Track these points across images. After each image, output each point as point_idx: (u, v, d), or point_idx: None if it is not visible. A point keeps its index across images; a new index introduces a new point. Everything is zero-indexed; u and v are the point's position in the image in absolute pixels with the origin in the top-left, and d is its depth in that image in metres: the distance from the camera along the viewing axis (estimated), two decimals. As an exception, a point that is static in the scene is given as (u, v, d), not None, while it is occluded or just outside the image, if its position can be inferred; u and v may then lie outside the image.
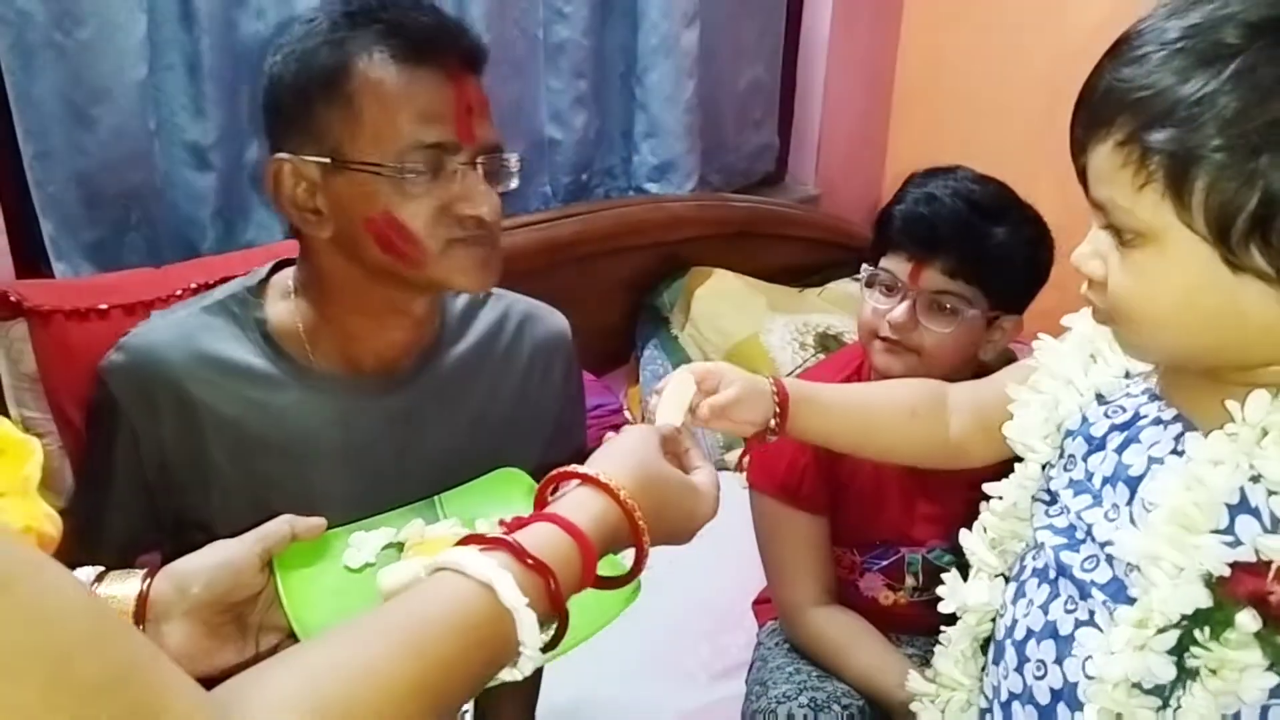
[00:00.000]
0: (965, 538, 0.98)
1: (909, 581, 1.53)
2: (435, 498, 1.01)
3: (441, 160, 1.04)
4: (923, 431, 1.04)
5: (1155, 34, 0.71)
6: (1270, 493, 0.72)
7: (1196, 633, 0.74)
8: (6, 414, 1.65)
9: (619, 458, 0.83)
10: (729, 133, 2.74)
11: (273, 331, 1.14)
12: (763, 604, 1.73)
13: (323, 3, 1.11)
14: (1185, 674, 0.75)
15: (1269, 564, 0.72)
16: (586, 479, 0.79)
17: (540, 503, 0.81)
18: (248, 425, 1.11)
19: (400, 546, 0.93)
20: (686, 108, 2.51)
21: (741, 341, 2.42)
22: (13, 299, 1.62)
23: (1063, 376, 0.90)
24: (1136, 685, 0.77)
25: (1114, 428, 0.85)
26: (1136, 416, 0.84)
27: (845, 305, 2.52)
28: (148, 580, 0.82)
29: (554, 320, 1.32)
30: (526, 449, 1.32)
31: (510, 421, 1.27)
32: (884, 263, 1.45)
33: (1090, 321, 0.87)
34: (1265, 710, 0.76)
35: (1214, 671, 0.73)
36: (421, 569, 0.85)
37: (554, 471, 0.82)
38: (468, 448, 1.21)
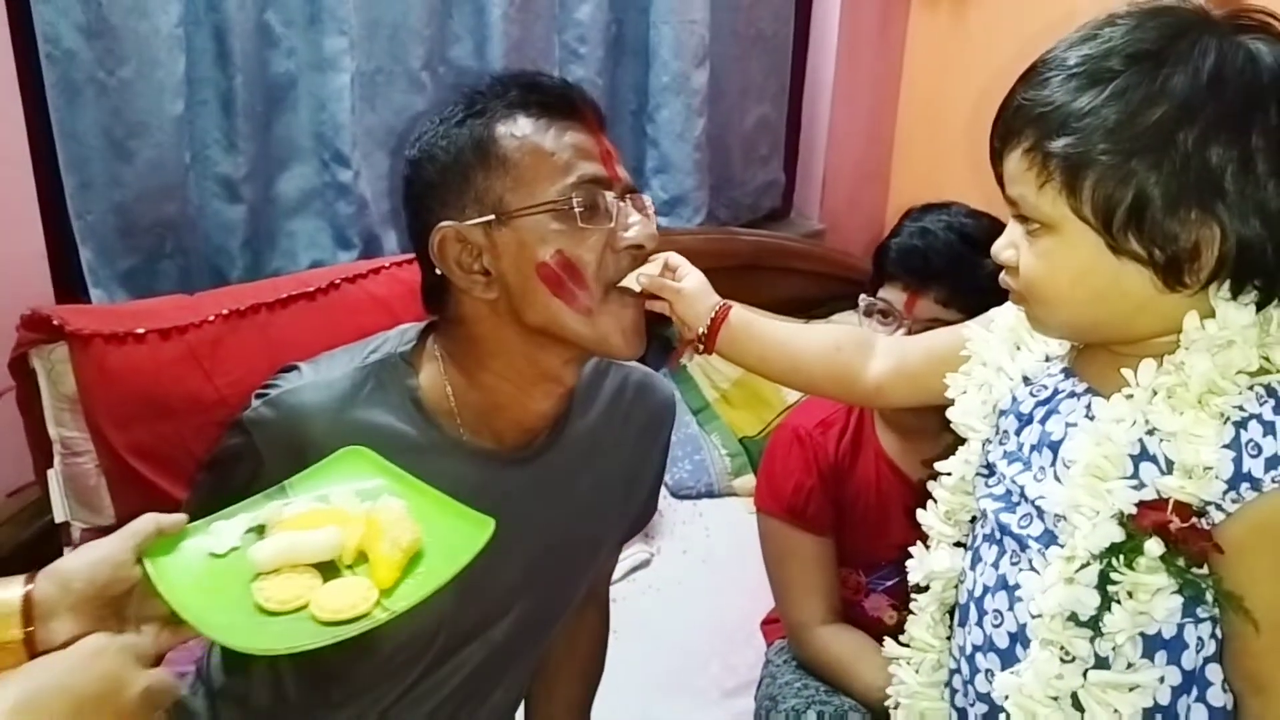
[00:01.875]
0: (921, 515, 1.10)
1: (913, 601, 1.59)
2: (283, 483, 1.01)
3: (598, 196, 1.08)
4: (844, 365, 1.13)
5: (1057, 62, 0.87)
6: (1162, 440, 0.86)
7: (1113, 561, 0.87)
8: (46, 432, 1.72)
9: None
10: (737, 169, 2.82)
11: (423, 399, 1.15)
12: (771, 623, 1.77)
13: (452, 94, 1.17)
14: (1108, 602, 0.88)
15: (1168, 500, 0.86)
16: None
17: None
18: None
19: (260, 529, 0.95)
20: (696, 145, 2.59)
21: (746, 373, 2.48)
22: (55, 322, 1.69)
23: (994, 364, 1.02)
24: (1071, 619, 0.89)
25: (1038, 404, 0.98)
26: (1055, 392, 0.97)
27: (849, 336, 2.58)
28: (29, 584, 0.86)
29: (665, 391, 1.36)
30: (628, 515, 1.39)
31: (624, 489, 1.32)
32: (881, 293, 1.52)
33: (1013, 313, 1.02)
34: (1181, 629, 0.90)
35: (1130, 595, 0.87)
36: (282, 542, 0.92)
37: None
38: (588, 514, 1.26)
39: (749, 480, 2.36)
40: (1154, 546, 0.85)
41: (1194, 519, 0.85)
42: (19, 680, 0.77)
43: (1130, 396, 0.88)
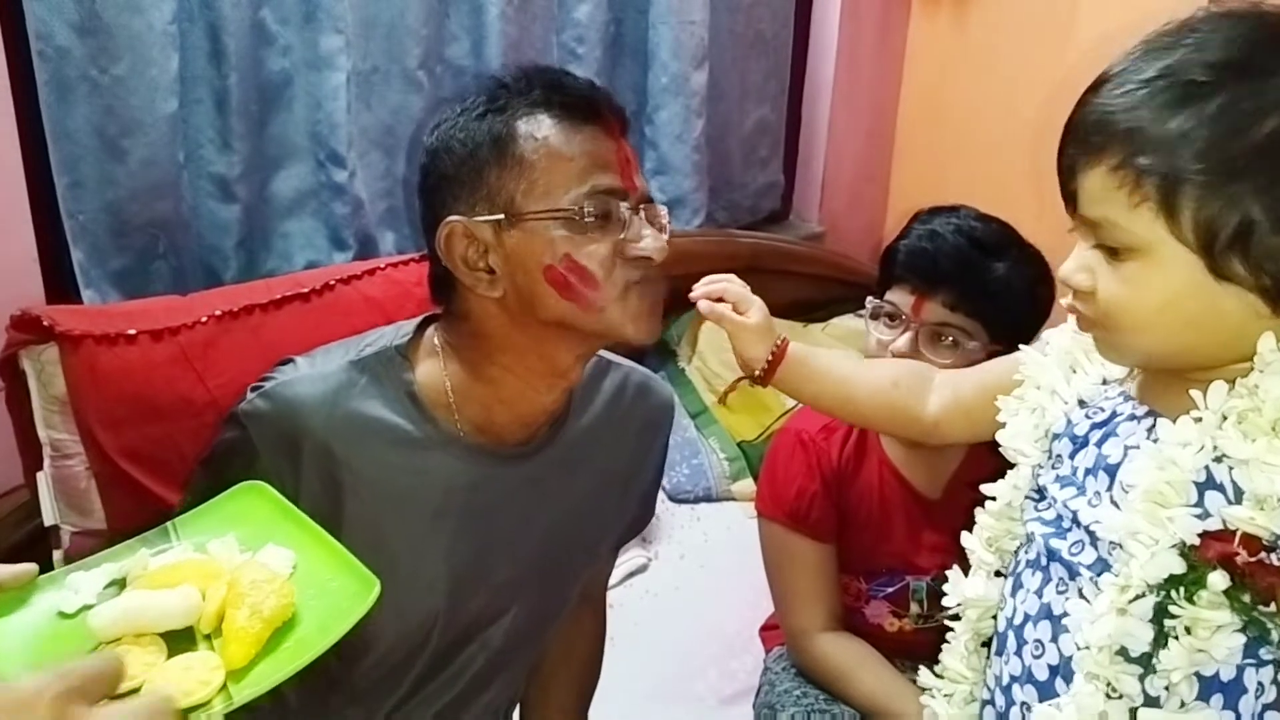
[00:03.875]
0: (966, 539, 1.05)
1: (914, 609, 1.56)
2: (169, 524, 0.91)
3: (611, 206, 1.07)
4: (901, 403, 1.12)
5: (1135, 72, 0.81)
6: (1232, 468, 0.81)
7: (1172, 593, 0.81)
8: (36, 434, 1.70)
9: None
10: (736, 171, 2.81)
11: (419, 393, 1.14)
12: (770, 630, 1.76)
13: (474, 84, 1.15)
14: (1163, 638, 0.82)
15: (1235, 531, 0.80)
16: None
17: None
18: (385, 484, 1.11)
19: (123, 583, 0.83)
20: (695, 146, 2.58)
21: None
22: (45, 323, 1.66)
23: (1047, 387, 0.98)
24: (1120, 653, 0.83)
25: (1094, 426, 0.93)
26: (1114, 415, 0.92)
27: (849, 340, 2.56)
28: None
29: (664, 392, 1.35)
30: (625, 517, 1.37)
31: (621, 489, 1.31)
32: (889, 296, 1.51)
33: (1069, 336, 0.97)
34: (1240, 671, 0.83)
35: (1189, 630, 0.81)
36: (131, 603, 0.78)
37: None
38: (585, 514, 1.25)
39: (747, 485, 2.34)
40: (1218, 580, 0.80)
41: (1263, 553, 0.79)
42: None
43: (1199, 420, 0.82)
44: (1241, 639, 0.81)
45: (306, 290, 1.85)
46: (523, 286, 1.08)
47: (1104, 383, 0.96)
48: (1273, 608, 0.80)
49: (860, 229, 3.01)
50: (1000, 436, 1.00)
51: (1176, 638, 0.82)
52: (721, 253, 2.60)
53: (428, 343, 1.17)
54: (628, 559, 2.11)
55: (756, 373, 1.16)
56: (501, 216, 1.07)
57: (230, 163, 1.99)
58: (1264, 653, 0.83)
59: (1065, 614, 0.90)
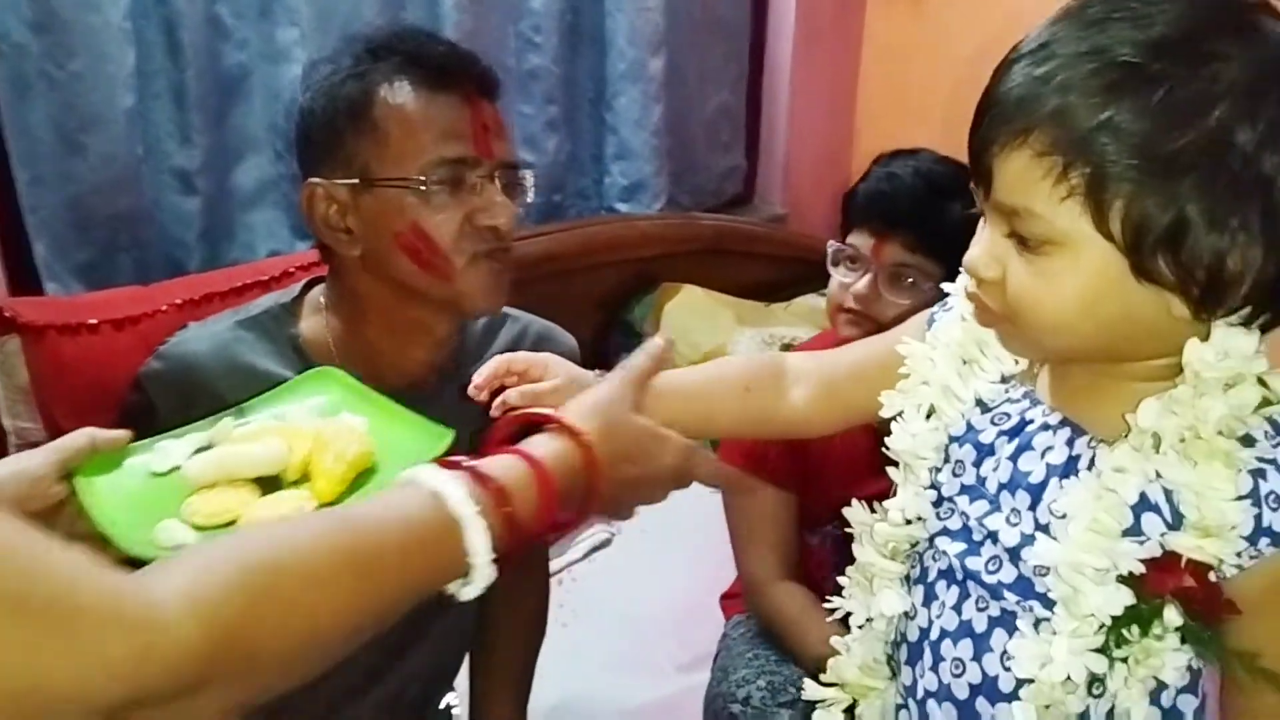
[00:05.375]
0: (860, 551, 0.97)
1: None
2: (241, 405, 0.99)
3: (462, 174, 1.12)
4: (758, 405, 1.03)
5: (1065, 44, 0.72)
6: (1171, 492, 0.76)
7: (1124, 631, 0.78)
8: (0, 423, 1.73)
9: (589, 405, 0.87)
10: (699, 155, 2.84)
11: (304, 346, 1.19)
12: (730, 598, 1.79)
13: (343, 42, 1.19)
14: (1113, 664, 0.80)
15: (1178, 557, 0.76)
16: (549, 419, 0.84)
17: (494, 441, 0.84)
18: None
19: (209, 448, 0.92)
20: (654, 131, 2.61)
21: (709, 352, 2.50)
22: (6, 315, 1.70)
23: (939, 383, 0.91)
24: (1067, 680, 0.80)
25: (1001, 434, 0.88)
26: (1024, 422, 0.87)
27: (811, 319, 2.60)
28: None
29: (566, 342, 1.39)
30: None
31: None
32: (849, 239, 1.53)
33: (959, 326, 0.91)
34: (1174, 701, 0.83)
35: (1140, 661, 0.79)
36: (223, 452, 0.88)
37: (518, 412, 0.88)
38: None
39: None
40: (1173, 615, 0.76)
41: (1209, 577, 0.76)
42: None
43: (1137, 447, 0.77)
44: (1187, 656, 0.80)
45: (266, 278, 1.88)
46: (377, 249, 1.14)
47: (1003, 380, 0.91)
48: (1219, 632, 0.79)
49: (823, 211, 3.03)
50: (892, 442, 0.94)
51: (1128, 666, 0.79)
52: (684, 235, 2.65)
53: (312, 300, 1.23)
54: (591, 534, 2.15)
55: None
56: (356, 181, 1.12)
57: (190, 156, 2.02)
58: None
59: (989, 633, 0.86)
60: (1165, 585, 0.76)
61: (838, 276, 1.55)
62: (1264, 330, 0.75)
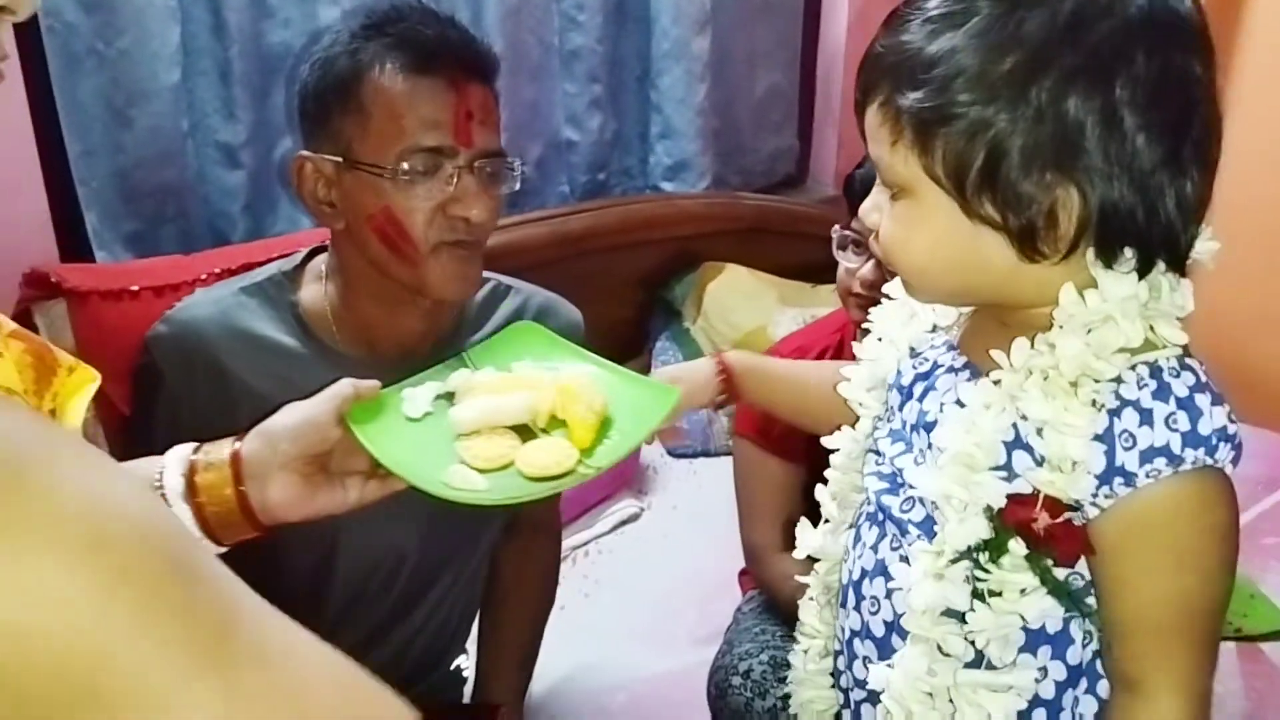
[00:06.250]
0: (819, 491, 1.04)
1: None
2: (463, 354, 1.07)
3: (438, 163, 1.13)
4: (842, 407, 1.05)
5: (918, 4, 0.78)
6: (1039, 430, 0.78)
7: (979, 558, 0.81)
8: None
9: None
10: (747, 136, 2.83)
11: (304, 314, 1.23)
12: (746, 574, 1.79)
13: (345, 16, 1.22)
14: (978, 599, 0.82)
15: (1038, 495, 0.78)
16: None
17: None
18: (275, 398, 1.17)
19: (450, 396, 1.00)
20: (699, 110, 2.61)
21: (750, 333, 2.50)
22: (53, 280, 1.78)
23: (887, 335, 0.97)
24: (946, 614, 0.83)
25: (918, 377, 0.92)
26: (935, 366, 0.91)
27: (855, 299, 2.58)
28: (237, 443, 0.92)
29: (569, 313, 1.39)
30: None
31: None
32: (854, 225, 1.52)
33: None
34: (1066, 623, 0.84)
35: (998, 594, 0.81)
36: (485, 403, 0.96)
37: None
38: None
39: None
40: (1017, 546, 0.79)
41: (1067, 515, 0.78)
42: None
43: (998, 381, 0.80)
44: (1051, 601, 0.81)
45: (305, 251, 1.94)
46: (353, 226, 1.16)
47: (934, 329, 0.94)
48: (1082, 570, 0.81)
49: (877, 192, 3.01)
50: (841, 389, 0.99)
51: (986, 600, 0.81)
52: (727, 214, 2.64)
53: (313, 268, 1.26)
54: (620, 507, 2.17)
55: (719, 398, 1.14)
56: (340, 159, 1.14)
57: (235, 130, 2.08)
58: (1091, 600, 0.83)
59: (900, 571, 0.89)
60: (1018, 518, 0.78)
61: (844, 261, 1.54)
62: (1141, 273, 0.76)
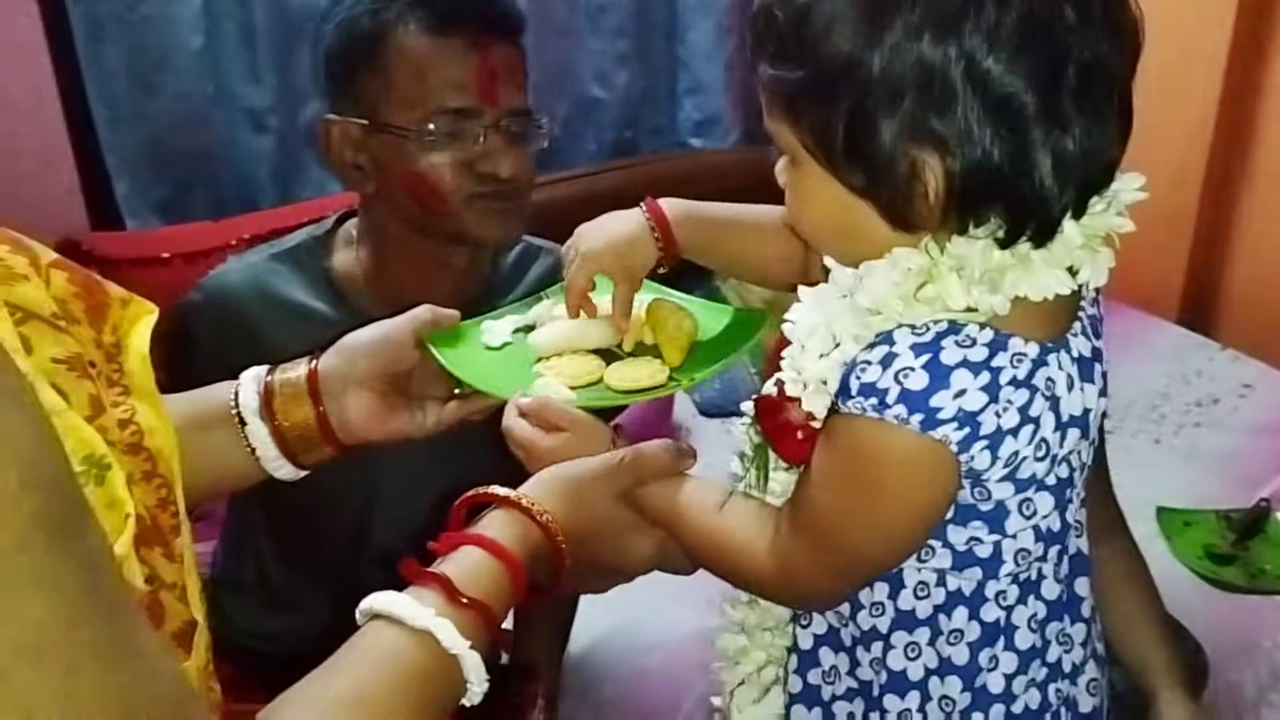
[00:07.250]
0: None
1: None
2: (540, 293, 1.06)
3: (463, 124, 1.12)
4: (779, 274, 1.02)
5: None
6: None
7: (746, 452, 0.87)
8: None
9: (560, 481, 0.83)
10: (777, 89, 2.79)
11: (336, 278, 1.22)
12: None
13: None
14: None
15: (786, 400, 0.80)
16: (505, 501, 0.80)
17: (455, 521, 0.81)
18: None
19: (529, 329, 1.01)
20: (727, 65, 2.57)
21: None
22: (85, 249, 1.80)
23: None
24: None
25: None
26: None
27: (887, 254, 2.55)
28: (313, 361, 0.91)
29: None
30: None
31: None
32: None
33: None
34: (901, 570, 0.83)
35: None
36: (565, 326, 0.98)
37: (470, 493, 0.83)
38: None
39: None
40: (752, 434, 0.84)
41: (788, 408, 0.79)
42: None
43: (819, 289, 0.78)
44: (791, 478, 0.83)
45: (333, 215, 1.94)
46: (384, 188, 1.15)
47: None
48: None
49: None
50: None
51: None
52: (756, 170, 2.57)
53: (345, 233, 1.25)
54: (655, 470, 2.15)
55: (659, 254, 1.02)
56: (366, 121, 1.13)
57: (261, 95, 2.08)
58: (924, 554, 0.81)
59: None
60: (764, 415, 0.81)
61: None
62: (1006, 243, 0.71)
